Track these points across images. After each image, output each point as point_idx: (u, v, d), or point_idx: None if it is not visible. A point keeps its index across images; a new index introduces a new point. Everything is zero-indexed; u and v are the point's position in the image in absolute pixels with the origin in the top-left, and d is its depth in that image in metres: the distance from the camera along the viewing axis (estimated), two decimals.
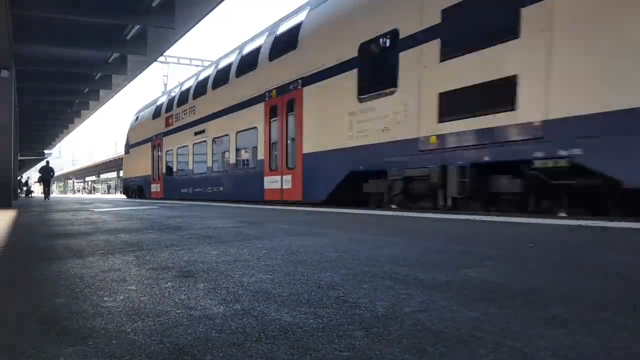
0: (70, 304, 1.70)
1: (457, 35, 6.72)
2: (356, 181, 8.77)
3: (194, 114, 15.98)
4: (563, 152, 5.43)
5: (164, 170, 18.92)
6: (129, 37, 15.46)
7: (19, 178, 32.58)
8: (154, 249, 3.12)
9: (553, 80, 5.56)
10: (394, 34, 7.72)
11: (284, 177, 10.64)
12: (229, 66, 13.82)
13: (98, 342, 1.26)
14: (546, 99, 5.61)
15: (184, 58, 33.26)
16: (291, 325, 1.37)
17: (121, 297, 1.77)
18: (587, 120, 5.19)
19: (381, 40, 8.00)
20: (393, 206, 7.95)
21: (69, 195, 69.48)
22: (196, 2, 13.50)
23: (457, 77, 6.65)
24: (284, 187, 10.62)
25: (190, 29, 15.57)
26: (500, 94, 6.10)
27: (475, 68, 6.40)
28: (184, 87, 17.88)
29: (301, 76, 10.01)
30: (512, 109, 5.92)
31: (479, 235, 3.46)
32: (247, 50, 12.99)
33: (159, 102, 21.00)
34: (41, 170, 24.25)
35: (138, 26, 14.53)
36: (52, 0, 12.49)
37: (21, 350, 1.22)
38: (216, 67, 15.14)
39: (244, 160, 12.77)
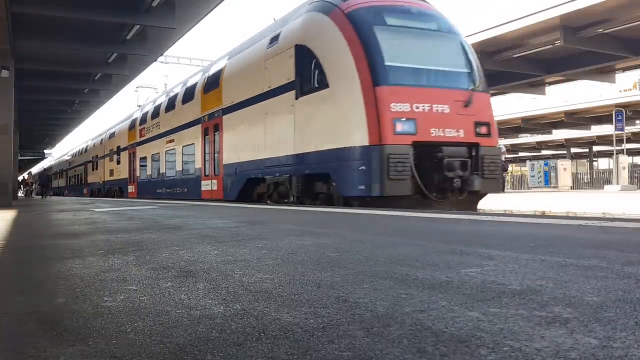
0: (70, 303, 1.70)
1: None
2: (252, 184, 11.57)
3: (158, 128, 18.89)
4: None
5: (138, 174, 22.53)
6: (129, 37, 15.44)
7: (19, 177, 33.45)
8: (154, 248, 3.12)
9: None
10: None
11: (212, 181, 13.87)
12: (175, 95, 16.96)
13: (98, 342, 1.26)
14: None
15: (184, 58, 33.14)
16: (291, 325, 1.36)
17: (121, 297, 1.77)
18: None
19: None
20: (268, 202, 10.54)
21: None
22: (196, 2, 13.50)
23: None
24: (213, 188, 13.79)
25: (190, 29, 15.59)
26: None
27: None
28: (144, 110, 21.22)
29: (222, 107, 13.16)
30: None
31: (479, 235, 3.46)
32: (189, 84, 16.13)
33: (130, 119, 24.38)
34: (39, 176, 30.48)
35: (138, 26, 14.51)
36: (52, 0, 12.49)
37: (21, 350, 1.22)
38: (167, 95, 18.35)
39: (188, 169, 15.94)
